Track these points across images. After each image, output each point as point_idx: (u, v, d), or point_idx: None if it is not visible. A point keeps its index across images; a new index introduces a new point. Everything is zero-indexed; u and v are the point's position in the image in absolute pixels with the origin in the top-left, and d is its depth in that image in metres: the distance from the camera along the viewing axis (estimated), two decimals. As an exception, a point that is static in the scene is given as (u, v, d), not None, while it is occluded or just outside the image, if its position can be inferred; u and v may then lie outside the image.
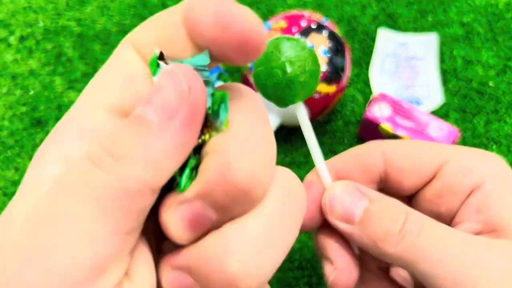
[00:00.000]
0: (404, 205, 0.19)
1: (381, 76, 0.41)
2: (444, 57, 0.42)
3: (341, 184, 0.20)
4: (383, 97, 0.35)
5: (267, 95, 0.18)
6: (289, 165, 0.36)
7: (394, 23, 0.44)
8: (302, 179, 0.39)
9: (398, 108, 0.34)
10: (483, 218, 0.18)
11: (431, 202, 0.20)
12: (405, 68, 0.41)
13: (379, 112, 0.34)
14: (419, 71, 0.41)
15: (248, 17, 0.12)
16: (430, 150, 0.20)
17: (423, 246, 0.17)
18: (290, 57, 0.17)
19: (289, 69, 0.17)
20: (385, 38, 0.43)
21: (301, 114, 0.20)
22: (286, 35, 0.18)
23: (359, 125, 0.36)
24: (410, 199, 0.21)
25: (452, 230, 0.18)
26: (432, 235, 0.17)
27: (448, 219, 0.20)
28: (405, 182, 0.20)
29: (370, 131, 0.35)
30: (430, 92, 0.39)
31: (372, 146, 0.21)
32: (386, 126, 0.34)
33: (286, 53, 0.17)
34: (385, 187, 0.21)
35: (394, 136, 0.34)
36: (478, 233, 0.18)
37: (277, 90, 0.18)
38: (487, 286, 0.16)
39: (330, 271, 0.20)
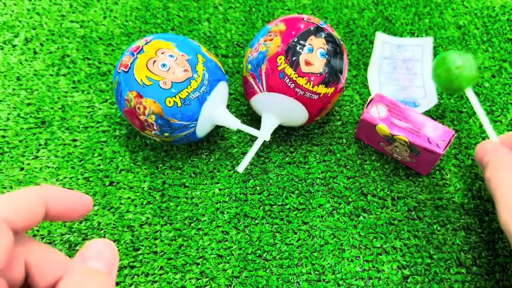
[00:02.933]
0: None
1: (379, 77, 0.42)
2: (441, 58, 0.43)
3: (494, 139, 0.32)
4: (380, 98, 0.36)
5: (445, 88, 0.35)
6: (288, 165, 0.37)
7: (391, 26, 0.45)
8: (301, 178, 0.39)
9: (394, 109, 0.35)
10: None
11: None
12: (402, 69, 0.42)
13: (376, 113, 0.35)
14: (417, 72, 0.42)
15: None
16: None
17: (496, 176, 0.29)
18: (459, 63, 0.33)
19: (458, 70, 0.33)
20: (381, 41, 0.44)
21: (470, 94, 0.34)
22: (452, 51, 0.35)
23: (357, 126, 0.37)
24: None
25: None
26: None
27: None
28: None
29: (367, 131, 0.36)
30: (427, 92, 0.40)
31: None
32: (383, 126, 0.34)
33: (457, 61, 0.33)
34: None
35: (392, 136, 0.34)
36: None
37: (451, 84, 0.34)
38: None
39: None
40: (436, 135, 0.34)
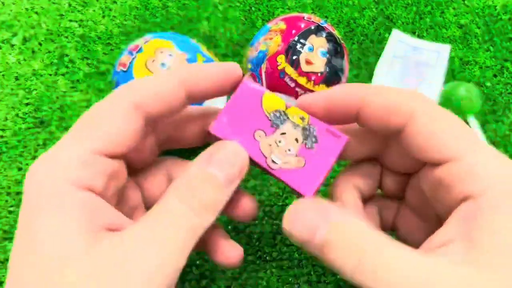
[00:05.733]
0: (365, 230, 0.17)
1: (386, 75, 0.41)
2: (442, 58, 0.43)
3: (307, 200, 0.20)
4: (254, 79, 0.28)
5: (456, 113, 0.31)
6: (288, 164, 0.37)
7: (392, 25, 0.45)
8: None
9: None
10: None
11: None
12: (412, 71, 0.41)
13: (256, 85, 0.22)
14: (426, 77, 0.41)
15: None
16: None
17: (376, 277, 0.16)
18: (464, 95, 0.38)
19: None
20: (397, 39, 0.43)
21: (474, 123, 0.38)
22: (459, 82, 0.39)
23: (221, 112, 0.22)
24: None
25: (410, 254, 0.17)
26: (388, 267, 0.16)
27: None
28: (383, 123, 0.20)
29: (242, 110, 0.22)
30: None
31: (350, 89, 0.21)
32: (274, 96, 0.22)
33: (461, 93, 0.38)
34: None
35: (285, 111, 0.22)
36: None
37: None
38: None
39: None
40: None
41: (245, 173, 0.20)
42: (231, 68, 0.21)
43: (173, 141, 0.24)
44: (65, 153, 0.18)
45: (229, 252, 0.23)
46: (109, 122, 0.19)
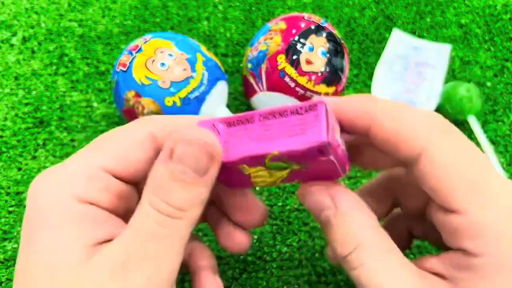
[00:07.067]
0: (365, 229, 0.18)
1: (386, 75, 0.41)
2: (443, 58, 0.43)
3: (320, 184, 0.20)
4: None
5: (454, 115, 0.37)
6: (289, 164, 0.37)
7: (393, 25, 0.45)
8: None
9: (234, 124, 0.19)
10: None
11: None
12: (413, 72, 0.41)
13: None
14: (426, 77, 0.41)
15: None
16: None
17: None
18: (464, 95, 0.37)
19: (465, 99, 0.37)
20: (398, 39, 0.43)
21: (474, 123, 0.37)
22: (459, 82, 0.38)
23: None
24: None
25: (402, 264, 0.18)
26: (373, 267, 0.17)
27: None
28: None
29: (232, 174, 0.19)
30: (430, 98, 0.39)
31: None
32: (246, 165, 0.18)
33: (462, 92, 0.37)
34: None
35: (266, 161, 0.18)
36: None
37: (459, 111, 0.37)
38: None
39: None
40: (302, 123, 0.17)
41: (220, 154, 0.17)
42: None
43: None
44: (72, 167, 0.18)
45: (238, 238, 0.23)
46: (124, 145, 0.19)
